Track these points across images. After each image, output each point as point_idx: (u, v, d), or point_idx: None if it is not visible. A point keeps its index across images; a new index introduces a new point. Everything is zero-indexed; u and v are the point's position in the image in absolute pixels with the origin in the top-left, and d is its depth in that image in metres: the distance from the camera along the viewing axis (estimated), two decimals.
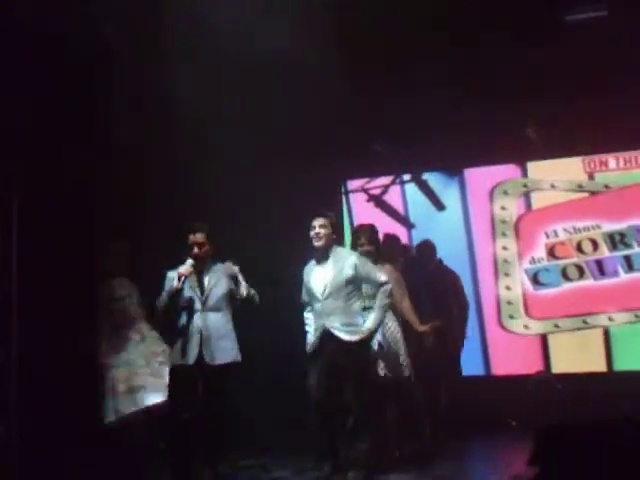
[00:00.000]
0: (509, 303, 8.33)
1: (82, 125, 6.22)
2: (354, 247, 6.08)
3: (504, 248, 8.39)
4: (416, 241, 8.25)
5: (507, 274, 8.36)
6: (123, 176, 6.46)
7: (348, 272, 5.54)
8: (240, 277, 5.73)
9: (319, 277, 5.60)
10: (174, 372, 5.58)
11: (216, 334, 5.61)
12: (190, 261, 5.59)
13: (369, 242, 6.05)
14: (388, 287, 5.64)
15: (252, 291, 5.75)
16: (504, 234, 8.41)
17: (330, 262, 5.60)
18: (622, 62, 6.71)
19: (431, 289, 7.01)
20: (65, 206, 6.13)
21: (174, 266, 5.61)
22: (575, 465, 1.57)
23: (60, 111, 6.01)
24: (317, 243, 5.62)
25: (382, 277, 5.66)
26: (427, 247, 7.56)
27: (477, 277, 8.45)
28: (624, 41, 6.51)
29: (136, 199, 6.69)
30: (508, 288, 8.34)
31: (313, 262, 5.72)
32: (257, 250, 7.44)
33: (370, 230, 6.20)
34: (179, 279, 5.53)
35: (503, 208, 8.43)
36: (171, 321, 5.63)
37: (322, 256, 5.63)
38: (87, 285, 6.06)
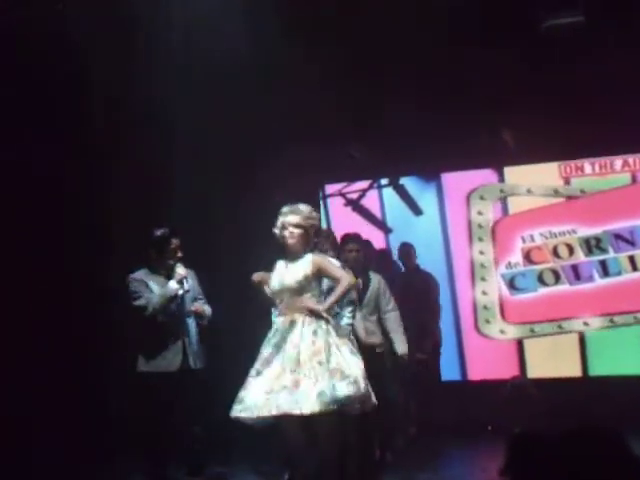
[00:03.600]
0: (485, 308, 8.35)
1: (50, 125, 6.20)
2: None
3: (481, 253, 8.40)
4: (393, 245, 8.28)
5: (483, 279, 8.37)
6: (91, 176, 6.44)
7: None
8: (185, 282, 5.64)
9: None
10: (160, 379, 5.43)
11: (194, 339, 5.61)
12: (179, 263, 5.55)
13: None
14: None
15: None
16: (481, 239, 8.42)
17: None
18: (597, 68, 6.74)
19: (406, 291, 7.04)
20: (33, 207, 6.11)
21: (134, 270, 5.54)
22: (548, 474, 1.55)
23: (27, 111, 5.98)
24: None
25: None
26: (408, 249, 7.66)
27: (454, 282, 8.45)
28: (600, 47, 6.54)
29: (105, 200, 6.68)
30: (484, 293, 8.36)
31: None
32: (234, 255, 7.41)
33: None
34: (179, 282, 5.50)
35: (480, 213, 8.44)
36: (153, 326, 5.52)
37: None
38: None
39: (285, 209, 5.23)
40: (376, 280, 6.17)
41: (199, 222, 7.15)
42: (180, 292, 5.51)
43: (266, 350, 5.07)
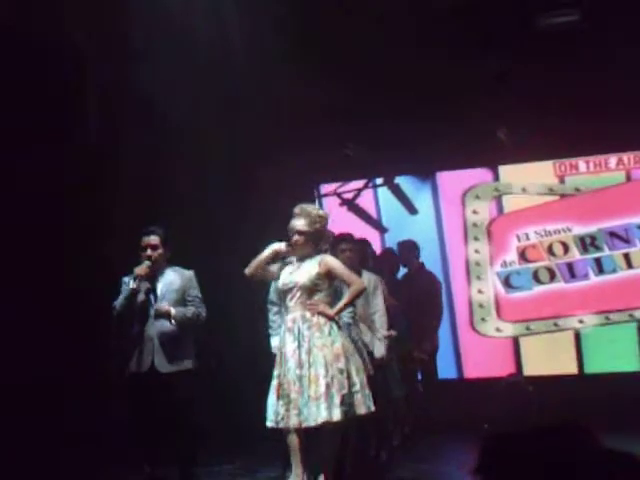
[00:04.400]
0: (481, 306, 8.37)
1: (50, 126, 6.20)
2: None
3: (476, 252, 8.43)
4: (389, 244, 8.30)
5: (479, 277, 8.39)
6: (92, 176, 6.44)
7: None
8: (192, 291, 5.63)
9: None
10: (130, 380, 5.44)
11: (169, 341, 5.48)
12: (147, 262, 5.49)
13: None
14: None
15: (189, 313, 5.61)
16: (476, 238, 8.44)
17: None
18: (592, 66, 6.76)
19: (411, 289, 7.07)
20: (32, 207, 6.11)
21: (129, 272, 5.54)
22: (520, 474, 1.57)
23: (27, 112, 5.98)
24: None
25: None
26: (409, 247, 7.67)
27: (449, 280, 8.47)
28: (595, 45, 6.56)
29: (106, 199, 6.68)
30: (480, 291, 8.38)
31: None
32: (228, 254, 7.41)
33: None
34: (135, 279, 5.43)
35: (475, 212, 8.46)
36: (125, 325, 5.51)
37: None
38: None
39: (296, 210, 5.30)
40: (366, 280, 6.17)
41: (198, 222, 7.16)
42: (132, 288, 5.41)
43: (289, 350, 5.12)
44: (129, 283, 5.47)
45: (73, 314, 6.47)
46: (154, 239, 5.55)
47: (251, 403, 6.26)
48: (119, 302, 5.50)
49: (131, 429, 5.52)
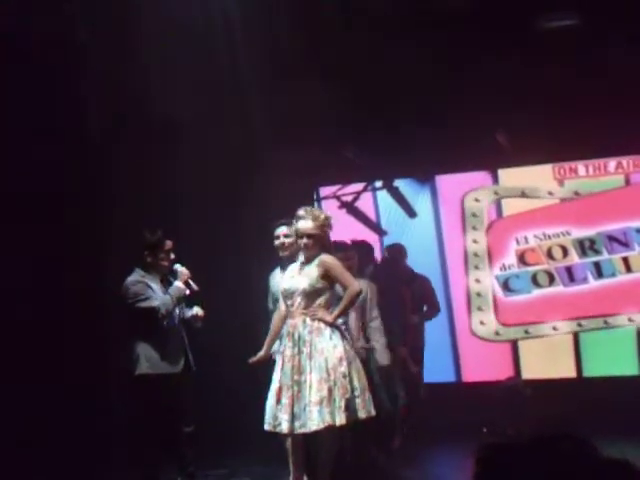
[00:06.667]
0: (480, 309, 8.36)
1: (50, 126, 6.20)
2: None
3: (475, 255, 8.42)
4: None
5: (478, 281, 8.39)
6: (92, 176, 6.45)
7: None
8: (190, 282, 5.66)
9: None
10: (164, 381, 5.42)
11: (188, 340, 5.62)
12: (179, 264, 5.56)
13: None
14: None
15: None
16: (475, 241, 8.43)
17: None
18: (590, 70, 6.77)
19: (401, 293, 7.05)
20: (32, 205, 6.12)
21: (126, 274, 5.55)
22: None
23: (27, 112, 5.99)
24: (283, 253, 5.61)
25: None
26: (398, 250, 7.64)
27: (448, 284, 8.46)
28: (592, 50, 6.58)
29: (104, 199, 6.69)
30: (479, 295, 8.37)
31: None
32: (227, 258, 7.42)
33: None
34: (185, 282, 5.51)
35: (474, 215, 8.45)
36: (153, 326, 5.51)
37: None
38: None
39: (301, 212, 5.25)
40: (365, 287, 6.16)
41: (198, 224, 7.17)
42: (187, 292, 5.52)
43: (287, 355, 5.13)
44: (177, 283, 5.49)
45: (73, 314, 6.47)
46: (171, 242, 5.62)
47: (249, 406, 6.28)
48: (170, 304, 5.44)
49: (143, 432, 5.51)
